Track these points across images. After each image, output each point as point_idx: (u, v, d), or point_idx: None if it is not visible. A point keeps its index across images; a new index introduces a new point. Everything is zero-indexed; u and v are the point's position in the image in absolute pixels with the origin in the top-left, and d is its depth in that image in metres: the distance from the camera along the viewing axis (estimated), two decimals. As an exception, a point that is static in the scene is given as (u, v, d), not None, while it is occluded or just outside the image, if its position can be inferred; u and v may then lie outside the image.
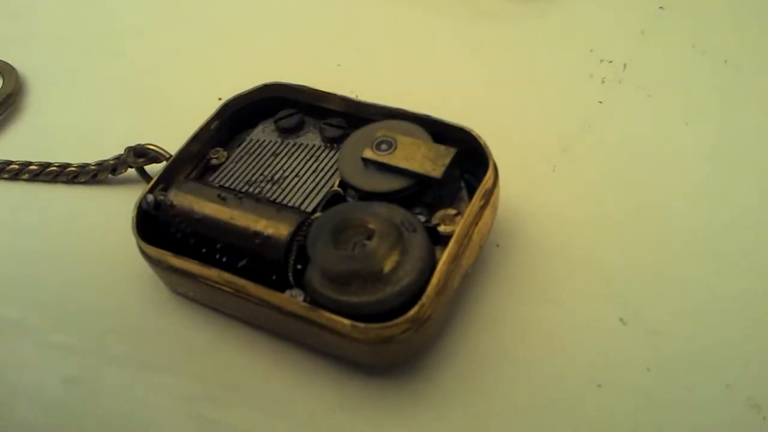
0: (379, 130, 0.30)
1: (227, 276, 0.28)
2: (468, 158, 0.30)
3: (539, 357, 0.28)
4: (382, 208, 0.27)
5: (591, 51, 0.40)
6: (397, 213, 0.28)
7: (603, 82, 0.38)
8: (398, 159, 0.29)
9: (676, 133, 0.36)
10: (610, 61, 0.39)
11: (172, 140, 0.34)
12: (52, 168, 0.35)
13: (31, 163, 0.35)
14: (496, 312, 0.30)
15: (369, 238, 0.27)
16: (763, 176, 0.33)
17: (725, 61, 0.39)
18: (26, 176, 0.35)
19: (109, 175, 0.35)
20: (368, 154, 0.29)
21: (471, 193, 0.30)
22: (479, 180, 0.30)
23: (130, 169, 0.35)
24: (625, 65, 0.39)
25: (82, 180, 0.35)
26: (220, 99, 0.37)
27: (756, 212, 0.32)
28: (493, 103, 0.37)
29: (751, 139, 0.35)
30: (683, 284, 0.30)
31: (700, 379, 0.27)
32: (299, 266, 0.28)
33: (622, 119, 0.37)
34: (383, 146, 0.29)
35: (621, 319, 0.29)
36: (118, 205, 0.34)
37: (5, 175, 0.36)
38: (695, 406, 0.27)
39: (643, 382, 0.27)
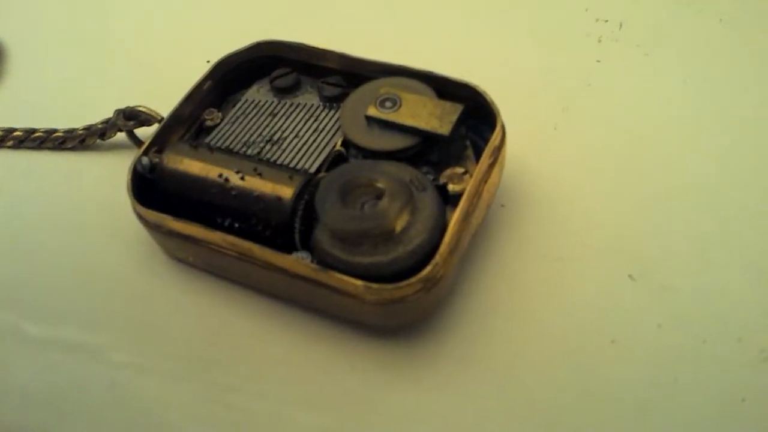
0: (382, 87, 0.29)
1: (231, 239, 0.27)
2: (471, 116, 0.29)
3: (549, 315, 0.28)
4: (390, 167, 0.27)
5: (586, 10, 0.40)
6: (407, 171, 0.27)
7: (600, 41, 0.38)
8: (404, 116, 0.28)
9: (674, 91, 0.35)
10: (606, 21, 0.39)
11: (160, 103, 0.33)
12: (37, 134, 0.34)
13: (15, 130, 0.34)
14: (505, 271, 0.29)
15: (378, 197, 0.26)
16: (763, 130, 0.33)
17: (720, 20, 0.39)
18: (10, 143, 0.34)
19: (98, 140, 0.33)
20: (372, 111, 0.29)
21: (475, 152, 0.29)
22: (483, 138, 0.30)
23: (119, 134, 0.33)
24: (621, 24, 0.39)
25: (70, 146, 0.34)
26: (208, 61, 0.36)
27: (758, 166, 0.32)
28: (491, 62, 0.37)
29: (748, 95, 0.35)
30: (690, 238, 0.30)
31: (711, 334, 0.27)
32: (303, 228, 0.27)
33: (621, 78, 0.36)
34: (387, 104, 0.29)
35: (630, 276, 0.29)
36: (108, 170, 0.33)
37: (-12, 142, 0.34)
38: (708, 361, 0.27)
39: (655, 338, 0.27)
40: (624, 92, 0.35)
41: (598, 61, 0.37)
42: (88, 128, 0.33)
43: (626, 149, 0.33)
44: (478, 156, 0.29)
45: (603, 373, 0.27)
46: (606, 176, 0.32)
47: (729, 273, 0.29)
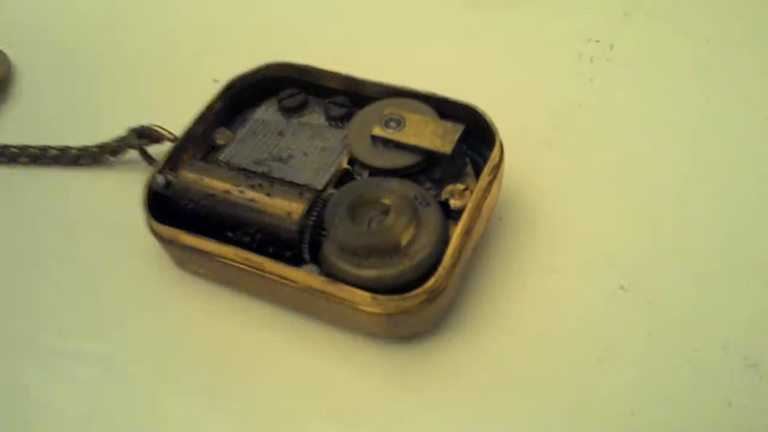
0: (387, 107, 0.31)
1: (243, 253, 0.28)
2: (470, 135, 0.31)
3: (545, 326, 0.29)
4: (396, 184, 0.28)
5: (578, 31, 0.41)
6: (411, 188, 0.28)
7: (592, 60, 0.40)
8: (407, 136, 0.30)
9: (663, 110, 0.37)
10: (597, 41, 0.41)
11: (167, 122, 0.34)
12: (52, 151, 0.35)
13: (30, 147, 0.35)
14: (502, 283, 0.31)
15: (385, 213, 0.28)
16: (747, 148, 0.35)
17: (707, 41, 0.40)
18: (26, 160, 0.35)
19: (110, 158, 0.35)
20: (378, 131, 0.30)
21: (474, 168, 0.31)
22: (481, 155, 0.31)
23: (129, 152, 0.35)
24: (611, 45, 0.40)
25: (83, 163, 0.35)
26: (215, 81, 0.37)
27: (743, 182, 0.34)
28: (487, 82, 0.38)
29: (734, 114, 0.37)
30: (678, 251, 0.31)
31: (698, 342, 0.29)
32: (311, 242, 0.28)
33: (612, 97, 0.38)
34: (392, 123, 0.30)
35: (621, 287, 0.30)
36: (120, 187, 0.34)
37: (3, 159, 0.35)
38: (695, 368, 0.28)
39: (645, 346, 0.29)
40: (615, 111, 0.37)
41: (590, 80, 0.39)
42: (101, 146, 0.35)
43: (617, 166, 0.34)
44: (477, 172, 0.30)
45: (596, 381, 0.28)
46: (598, 191, 0.34)
47: (715, 284, 0.30)
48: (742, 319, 0.29)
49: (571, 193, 0.34)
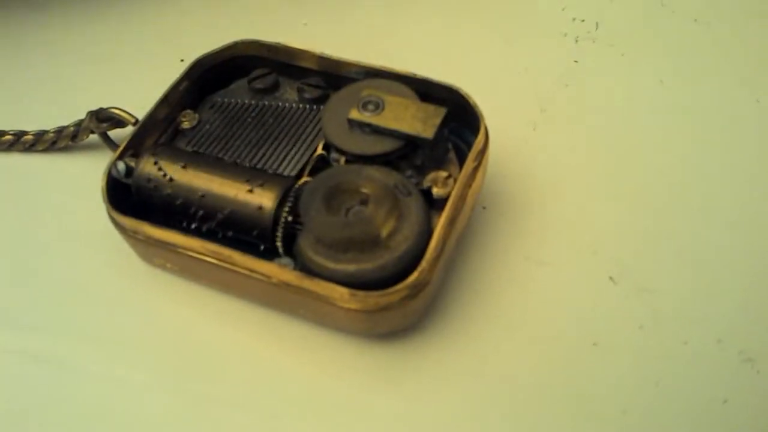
0: (364, 89, 0.29)
1: (211, 246, 0.26)
2: (452, 119, 0.29)
3: (533, 319, 0.28)
4: (375, 172, 0.26)
5: (563, 10, 0.40)
6: (391, 176, 0.27)
7: (576, 41, 0.38)
8: (387, 119, 0.28)
9: (651, 91, 0.36)
10: (583, 20, 0.39)
11: (132, 105, 0.32)
12: (6, 137, 0.33)
13: (-19, 131, 0.33)
14: (487, 275, 0.29)
15: (363, 202, 0.26)
16: (739, 129, 0.34)
17: (695, 20, 0.39)
18: (-23, 146, 0.33)
19: (69, 143, 0.32)
20: (354, 114, 0.28)
21: (458, 155, 0.29)
22: (463, 140, 0.30)
23: (92, 136, 0.32)
24: (597, 24, 0.39)
25: (40, 148, 0.33)
26: (182, 60, 0.35)
27: (736, 164, 0.32)
28: (469, 64, 0.37)
29: (723, 94, 0.35)
30: (669, 240, 0.30)
31: (692, 336, 0.27)
32: (285, 234, 0.26)
33: (598, 78, 0.36)
34: (370, 106, 0.28)
35: (611, 278, 0.29)
36: (81, 174, 0.32)
37: (-47, 145, 0.33)
38: (690, 362, 0.27)
39: (637, 340, 0.27)
40: (601, 92, 0.36)
41: (575, 61, 0.37)
42: (59, 130, 0.32)
43: (605, 150, 0.33)
44: (460, 159, 0.29)
45: (586, 375, 0.27)
46: (585, 177, 0.32)
47: (708, 274, 0.29)
48: (737, 312, 0.28)
49: (557, 179, 0.32)
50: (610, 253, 0.30)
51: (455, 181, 0.27)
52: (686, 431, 0.26)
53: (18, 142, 0.33)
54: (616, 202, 0.31)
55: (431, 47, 0.38)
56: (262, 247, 0.27)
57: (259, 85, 0.31)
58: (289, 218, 0.26)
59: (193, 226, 0.28)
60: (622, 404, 0.26)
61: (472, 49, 0.38)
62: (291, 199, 0.27)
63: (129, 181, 0.28)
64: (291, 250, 0.27)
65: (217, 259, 0.26)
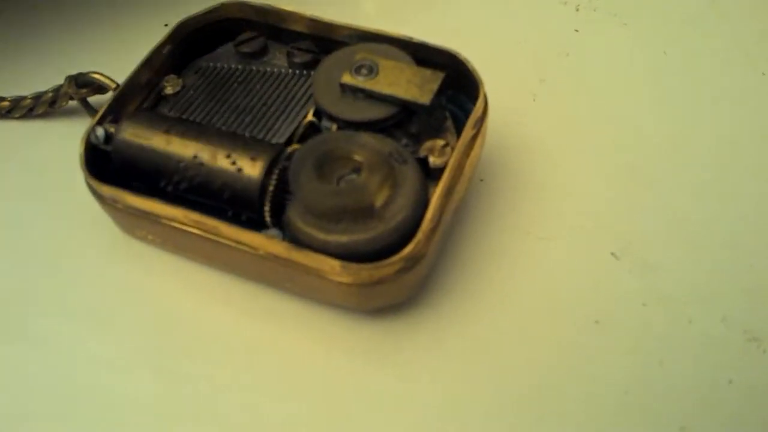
0: (358, 53, 0.27)
1: (195, 216, 0.25)
2: (449, 85, 0.28)
3: (533, 295, 0.27)
4: (368, 139, 0.25)
5: (563, -23, 0.38)
6: (386, 143, 0.25)
7: (577, 9, 0.37)
8: (381, 84, 0.26)
9: (654, 62, 0.34)
10: (583, -12, 0.38)
11: (116, 69, 0.30)
12: (-20, 102, 0.31)
13: (-46, 96, 0.31)
14: (486, 249, 0.28)
15: (356, 171, 0.25)
16: (743, 102, 0.33)
17: (699, -11, 0.38)
18: (-49, 112, 0.31)
19: (48, 109, 0.31)
20: (347, 79, 0.27)
21: (455, 124, 0.28)
22: (462, 109, 0.28)
23: (71, 102, 0.31)
24: (598, -8, 0.37)
25: (17, 115, 0.31)
26: (166, 25, 0.34)
27: (739, 139, 0.31)
28: (466, 32, 0.35)
29: (728, 66, 0.34)
30: (672, 215, 0.29)
31: (696, 314, 0.26)
32: (273, 204, 0.25)
33: (599, 48, 0.35)
34: (363, 70, 0.27)
35: (613, 254, 0.28)
36: (59, 142, 0.31)
37: (-76, 111, 0.31)
38: (694, 341, 0.26)
39: (640, 318, 0.26)
40: (603, 63, 0.34)
41: (576, 30, 0.36)
42: (37, 96, 0.31)
43: (606, 122, 0.32)
44: (457, 128, 0.27)
45: (587, 353, 0.26)
46: (586, 150, 0.31)
47: (712, 251, 0.28)
48: (742, 290, 0.27)
49: (557, 151, 0.31)
50: (612, 229, 0.29)
51: (453, 149, 0.26)
52: (690, 412, 0.25)
53: (-8, 108, 0.31)
54: (618, 175, 0.30)
55: (428, 14, 0.36)
56: (243, 217, 0.25)
57: (246, 49, 0.30)
58: (278, 187, 0.25)
59: (179, 195, 0.26)
60: (625, 384, 0.25)
61: (470, 18, 0.36)
62: (279, 167, 0.25)
63: (108, 147, 0.27)
64: (279, 221, 0.25)
65: (201, 230, 0.25)
